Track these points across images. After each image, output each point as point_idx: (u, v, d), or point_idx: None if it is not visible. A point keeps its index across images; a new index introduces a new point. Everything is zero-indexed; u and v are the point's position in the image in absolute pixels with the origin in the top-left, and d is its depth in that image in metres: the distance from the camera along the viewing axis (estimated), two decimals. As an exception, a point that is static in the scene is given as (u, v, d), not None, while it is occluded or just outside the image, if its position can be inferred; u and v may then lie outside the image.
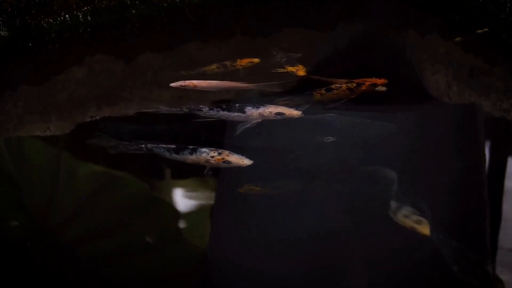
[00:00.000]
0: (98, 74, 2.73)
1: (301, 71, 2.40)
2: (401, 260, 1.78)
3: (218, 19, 3.11)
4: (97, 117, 2.39)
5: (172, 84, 2.31)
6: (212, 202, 2.10)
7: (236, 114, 2.12)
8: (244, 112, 2.11)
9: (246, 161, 1.94)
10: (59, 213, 2.01)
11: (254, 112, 2.11)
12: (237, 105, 2.13)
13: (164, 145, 2.04)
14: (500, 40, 2.71)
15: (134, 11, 3.03)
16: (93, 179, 2.16)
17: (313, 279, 1.75)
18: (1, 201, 2.09)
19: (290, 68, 2.41)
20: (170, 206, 2.10)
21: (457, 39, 2.73)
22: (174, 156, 2.01)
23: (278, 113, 2.10)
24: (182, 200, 2.09)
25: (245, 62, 2.50)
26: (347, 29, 3.09)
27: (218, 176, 2.10)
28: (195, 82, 2.30)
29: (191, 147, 2.00)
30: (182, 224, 2.02)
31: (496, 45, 2.71)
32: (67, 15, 2.94)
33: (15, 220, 2.03)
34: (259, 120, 2.10)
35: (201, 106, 2.17)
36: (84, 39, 2.93)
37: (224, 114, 2.13)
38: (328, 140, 2.04)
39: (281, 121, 2.12)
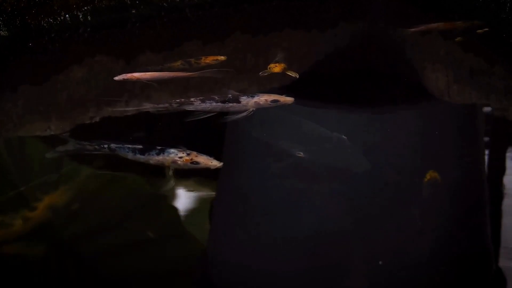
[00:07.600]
0: (98, 74, 2.73)
1: (278, 68, 2.43)
2: (401, 260, 1.78)
3: (218, 19, 3.11)
4: (97, 118, 2.39)
5: (116, 78, 2.35)
6: (211, 201, 2.11)
7: (231, 104, 2.13)
8: (239, 102, 2.12)
9: (215, 162, 1.91)
10: (60, 212, 2.01)
11: (249, 101, 2.12)
12: (231, 95, 2.14)
13: (130, 146, 1.97)
14: (500, 40, 2.71)
15: (134, 11, 3.03)
16: (93, 178, 2.16)
17: (313, 279, 1.75)
18: (1, 201, 2.09)
19: (271, 64, 2.44)
20: (170, 204, 2.10)
21: (457, 39, 2.73)
22: (138, 156, 1.95)
23: (273, 101, 2.12)
24: (182, 198, 2.09)
25: (210, 59, 2.53)
26: (347, 29, 3.09)
27: (218, 175, 2.10)
28: (136, 74, 2.34)
29: (159, 147, 1.95)
30: (182, 222, 2.02)
31: (496, 45, 2.71)
32: (67, 15, 2.94)
33: (15, 219, 2.03)
34: (254, 109, 2.11)
35: (192, 99, 2.17)
36: (84, 39, 2.93)
37: (218, 105, 2.14)
38: (298, 155, 2.04)
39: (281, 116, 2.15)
